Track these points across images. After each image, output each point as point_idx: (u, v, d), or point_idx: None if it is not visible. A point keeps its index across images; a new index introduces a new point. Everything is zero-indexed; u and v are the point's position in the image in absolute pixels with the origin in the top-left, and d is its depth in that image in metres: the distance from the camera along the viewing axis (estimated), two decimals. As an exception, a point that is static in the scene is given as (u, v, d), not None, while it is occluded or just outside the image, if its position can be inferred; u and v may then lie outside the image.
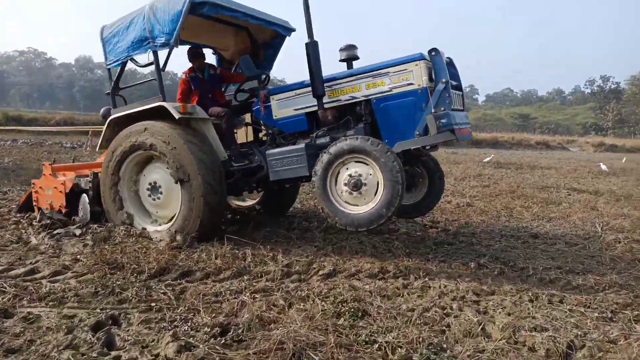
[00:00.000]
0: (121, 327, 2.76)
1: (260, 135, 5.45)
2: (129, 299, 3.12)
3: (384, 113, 4.24)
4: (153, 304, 3.05)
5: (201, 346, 2.47)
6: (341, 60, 4.76)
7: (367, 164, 3.88)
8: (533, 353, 2.54)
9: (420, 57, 4.02)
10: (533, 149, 34.47)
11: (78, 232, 4.71)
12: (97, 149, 5.66)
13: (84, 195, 5.21)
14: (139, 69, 5.08)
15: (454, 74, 4.30)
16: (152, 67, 4.79)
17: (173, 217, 4.66)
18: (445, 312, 3.09)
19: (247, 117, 5.43)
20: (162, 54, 4.82)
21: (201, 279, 3.60)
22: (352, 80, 4.36)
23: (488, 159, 17.48)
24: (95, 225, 4.89)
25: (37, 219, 4.97)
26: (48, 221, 4.89)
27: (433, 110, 3.89)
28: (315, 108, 4.44)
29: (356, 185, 3.90)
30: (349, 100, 4.41)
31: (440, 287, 3.53)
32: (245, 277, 3.63)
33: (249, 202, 6.43)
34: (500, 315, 3.04)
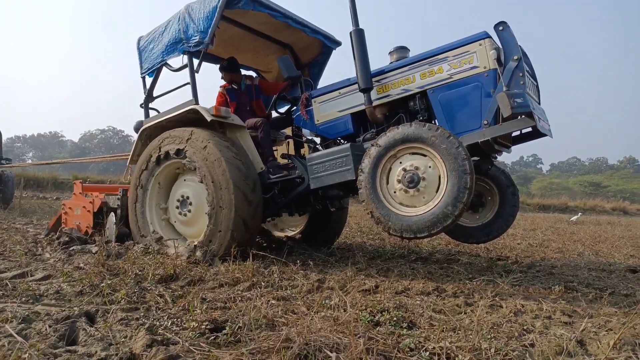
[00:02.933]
0: (94, 324, 2.15)
1: (302, 151, 4.93)
2: (117, 300, 2.52)
3: (444, 104, 3.55)
4: (143, 305, 2.43)
5: (182, 342, 1.79)
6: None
7: (425, 155, 3.14)
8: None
9: (485, 36, 3.36)
10: (609, 214, 31.62)
11: (95, 249, 4.26)
12: (130, 169, 5.31)
13: (112, 214, 4.83)
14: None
15: (527, 62, 3.60)
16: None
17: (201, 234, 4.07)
18: (525, 328, 2.24)
19: (289, 132, 4.96)
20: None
21: (211, 288, 2.94)
22: (403, 71, 3.74)
23: (575, 217, 14.82)
24: (115, 244, 4.43)
25: (57, 237, 4.60)
26: (67, 238, 4.50)
27: (505, 89, 3.18)
28: (362, 107, 3.85)
29: (412, 181, 3.12)
30: (401, 94, 3.76)
31: (516, 305, 2.66)
32: (265, 288, 2.94)
33: (290, 233, 5.77)
34: (606, 335, 2.14)
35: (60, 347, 1.83)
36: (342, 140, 4.19)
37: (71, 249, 4.28)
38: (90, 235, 4.79)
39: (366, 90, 3.73)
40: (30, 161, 71.02)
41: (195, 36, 4.20)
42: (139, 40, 4.90)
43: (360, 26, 3.74)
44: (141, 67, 4.83)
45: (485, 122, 3.33)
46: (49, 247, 4.45)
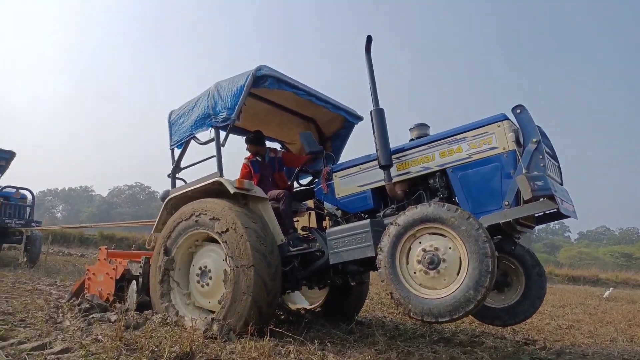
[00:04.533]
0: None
1: (324, 224, 4.96)
2: (132, 380, 2.50)
3: (464, 183, 3.57)
4: (157, 388, 2.40)
5: None
6: (411, 141, 4.31)
7: (445, 236, 3.11)
8: None
9: (503, 118, 3.44)
10: (644, 289, 30.05)
11: (114, 317, 4.27)
12: (154, 234, 5.36)
13: (134, 282, 4.86)
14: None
15: (547, 144, 3.64)
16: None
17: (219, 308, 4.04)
18: None
19: (311, 204, 5.03)
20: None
21: (227, 369, 2.89)
22: (423, 150, 3.81)
23: (607, 292, 14.03)
24: (133, 312, 4.43)
25: (78, 303, 4.64)
26: (87, 305, 4.53)
27: (524, 171, 3.19)
28: (382, 183, 3.90)
29: (432, 262, 3.08)
30: (420, 171, 3.81)
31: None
32: (281, 372, 2.87)
33: (310, 306, 5.66)
34: None
35: None
36: (363, 215, 4.22)
37: (91, 316, 4.29)
38: (111, 303, 4.81)
39: (386, 168, 3.80)
40: (59, 215, 72.83)
41: (223, 112, 4.41)
42: (170, 114, 5.16)
43: (380, 105, 3.90)
44: (171, 139, 5.05)
45: (506, 202, 3.32)
46: (69, 314, 4.48)
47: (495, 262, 2.88)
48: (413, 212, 3.22)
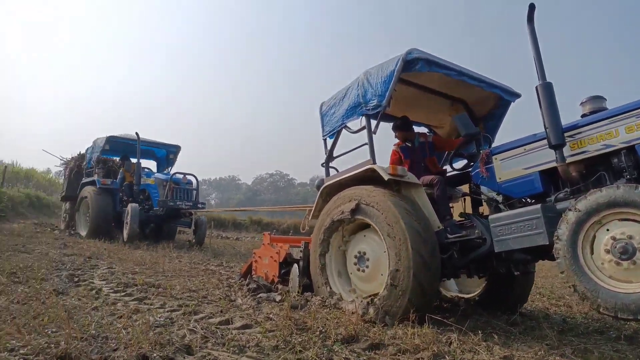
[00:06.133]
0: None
1: (481, 209, 4.74)
2: (308, 358, 2.69)
3: None
4: (332, 368, 2.55)
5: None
6: (583, 116, 3.79)
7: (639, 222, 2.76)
8: None
9: None
10: None
11: (278, 298, 4.65)
12: (308, 219, 5.68)
13: (295, 265, 5.20)
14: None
15: None
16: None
17: (378, 293, 4.09)
18: None
19: (466, 189, 4.84)
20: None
21: (393, 354, 2.94)
22: (603, 125, 3.39)
23: None
24: (295, 294, 4.76)
25: (246, 283, 5.14)
26: (255, 285, 4.99)
27: None
28: (553, 164, 3.57)
29: (626, 252, 2.75)
30: (601, 149, 3.39)
31: None
32: (447, 360, 2.83)
33: (467, 295, 5.46)
34: None
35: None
36: (528, 200, 3.92)
37: (258, 295, 4.73)
38: (275, 284, 5.23)
39: (558, 147, 3.46)
40: (213, 202, 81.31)
41: (374, 100, 4.43)
42: (321, 105, 5.36)
43: (548, 79, 3.55)
44: (323, 129, 5.23)
45: None
46: (239, 293, 4.98)
47: None
48: (597, 196, 2.89)
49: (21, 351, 2.44)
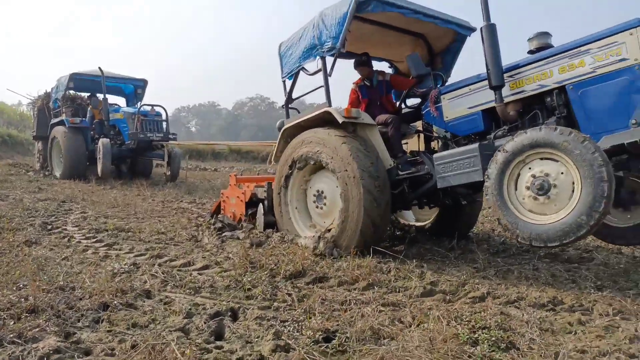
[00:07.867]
0: (236, 321, 2.69)
1: (433, 144, 5.01)
2: (255, 296, 3.07)
3: (585, 101, 3.36)
4: (275, 303, 2.93)
5: (297, 349, 2.20)
6: (530, 52, 3.97)
7: (557, 160, 3.06)
8: None
9: (637, 24, 3.06)
10: None
11: (242, 235, 5.01)
12: (271, 161, 5.96)
13: (261, 204, 5.52)
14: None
15: None
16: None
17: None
18: (635, 361, 2.18)
19: (419, 125, 5.07)
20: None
21: (332, 287, 3.35)
22: (540, 65, 3.59)
23: None
24: (258, 232, 5.12)
25: (212, 222, 5.48)
26: (220, 225, 5.33)
27: None
28: (493, 104, 3.81)
29: (542, 188, 3.08)
30: (536, 89, 3.63)
31: (636, 329, 2.54)
32: (379, 290, 3.24)
33: (419, 223, 5.89)
34: None
35: (211, 342, 2.37)
36: (473, 139, 4.18)
37: (223, 234, 5.08)
38: (240, 222, 5.58)
39: (497, 88, 3.69)
40: (193, 129, 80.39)
41: (328, 42, 4.51)
42: (280, 45, 5.40)
43: (492, 20, 3.68)
44: (282, 71, 5.33)
45: (634, 121, 3.11)
46: (207, 232, 5.33)
47: (612, 186, 2.82)
48: (522, 138, 3.18)
49: (-7, 306, 2.73)
